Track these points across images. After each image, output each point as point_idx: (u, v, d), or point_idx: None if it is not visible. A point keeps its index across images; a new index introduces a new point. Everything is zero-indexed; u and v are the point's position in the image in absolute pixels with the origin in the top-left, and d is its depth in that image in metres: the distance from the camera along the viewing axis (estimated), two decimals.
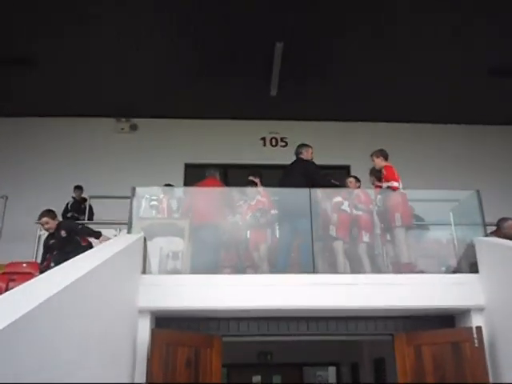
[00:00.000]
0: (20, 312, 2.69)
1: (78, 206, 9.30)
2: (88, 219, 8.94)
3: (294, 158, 6.99)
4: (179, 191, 7.57)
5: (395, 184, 6.41)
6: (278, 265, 6.29)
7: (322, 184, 6.70)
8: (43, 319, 2.98)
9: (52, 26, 8.32)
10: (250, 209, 6.73)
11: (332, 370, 12.31)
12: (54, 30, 8.41)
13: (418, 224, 6.93)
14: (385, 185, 6.54)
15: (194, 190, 7.24)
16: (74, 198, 9.29)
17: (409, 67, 9.56)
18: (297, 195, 6.33)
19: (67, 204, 9.26)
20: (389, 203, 6.47)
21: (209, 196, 6.85)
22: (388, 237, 6.68)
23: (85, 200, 9.41)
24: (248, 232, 6.68)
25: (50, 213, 6.58)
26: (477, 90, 10.10)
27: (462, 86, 10.02)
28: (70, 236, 6.45)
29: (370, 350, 9.72)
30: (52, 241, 6.47)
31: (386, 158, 6.70)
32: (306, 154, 6.89)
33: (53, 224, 6.52)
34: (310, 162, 6.80)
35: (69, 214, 9.04)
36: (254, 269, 6.31)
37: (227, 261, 6.54)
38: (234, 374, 11.13)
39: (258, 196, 6.77)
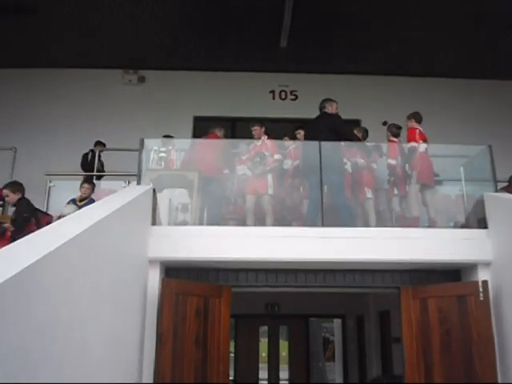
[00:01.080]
0: (29, 261, 2.70)
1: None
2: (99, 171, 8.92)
3: (303, 111, 6.94)
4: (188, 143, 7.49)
5: (414, 145, 6.59)
6: (307, 217, 6.31)
7: (349, 138, 6.71)
8: (53, 269, 3.00)
9: None
10: (252, 151, 6.75)
11: (337, 322, 12.58)
12: None
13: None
14: (407, 145, 6.72)
15: (196, 142, 7.25)
16: (92, 150, 9.14)
17: (421, 20, 9.26)
18: (325, 149, 6.30)
19: (88, 155, 9.19)
20: (406, 161, 6.67)
21: (213, 148, 6.86)
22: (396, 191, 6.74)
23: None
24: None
25: (12, 185, 6.10)
26: (490, 44, 9.82)
27: (475, 40, 9.74)
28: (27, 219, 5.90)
29: (376, 302, 9.87)
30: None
31: (417, 121, 6.85)
32: (330, 109, 6.83)
33: (13, 198, 6.02)
34: (336, 116, 6.74)
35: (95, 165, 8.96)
36: (251, 220, 6.34)
37: (233, 213, 6.58)
38: (241, 324, 11.41)
39: (264, 138, 6.89)
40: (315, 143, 6.32)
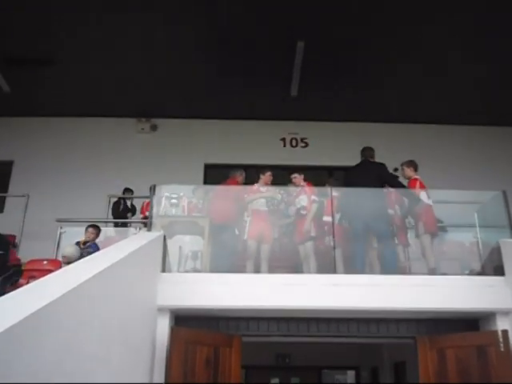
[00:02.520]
0: (38, 305, 2.67)
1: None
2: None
3: (313, 159, 6.94)
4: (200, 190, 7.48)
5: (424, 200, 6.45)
6: (355, 266, 6.19)
7: (396, 186, 6.64)
8: (61, 314, 2.95)
9: (71, 25, 8.37)
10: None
11: (351, 373, 12.17)
12: (74, 29, 8.47)
13: (440, 226, 6.80)
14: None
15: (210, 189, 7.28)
16: (120, 198, 9.31)
17: (430, 72, 9.43)
18: (374, 196, 6.38)
19: (118, 203, 9.32)
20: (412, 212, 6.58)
21: (226, 195, 6.85)
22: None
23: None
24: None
25: None
26: (502, 92, 9.92)
27: (486, 88, 9.85)
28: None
29: (391, 353, 9.58)
30: None
31: (415, 169, 6.75)
32: (373, 157, 6.86)
33: None
34: (384, 165, 6.71)
35: (128, 214, 9.17)
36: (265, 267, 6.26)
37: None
38: (252, 375, 11.06)
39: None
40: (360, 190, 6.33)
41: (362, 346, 9.51)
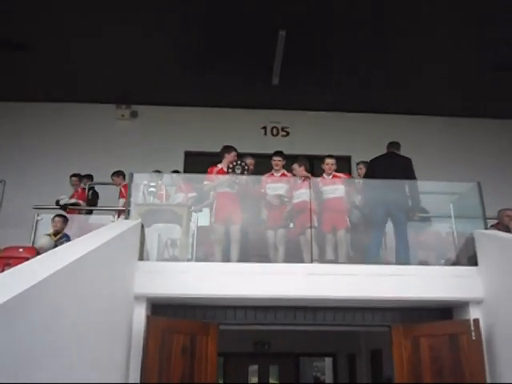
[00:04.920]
0: (13, 293, 2.66)
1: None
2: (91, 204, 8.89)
3: (294, 148, 6.93)
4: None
5: None
6: (369, 254, 6.30)
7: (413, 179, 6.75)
8: (37, 301, 2.94)
9: (51, 11, 8.20)
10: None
11: (329, 360, 12.38)
12: (54, 15, 8.30)
13: (421, 216, 6.89)
14: None
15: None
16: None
17: (410, 60, 9.45)
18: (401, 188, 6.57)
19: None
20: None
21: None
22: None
23: (90, 188, 9.31)
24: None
25: None
26: (479, 84, 10.02)
27: (463, 80, 9.93)
28: None
29: (367, 340, 9.72)
30: None
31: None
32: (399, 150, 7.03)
33: None
34: (409, 159, 6.80)
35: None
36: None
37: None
38: (230, 363, 11.15)
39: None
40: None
41: (339, 333, 9.61)
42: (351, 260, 6.39)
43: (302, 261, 6.06)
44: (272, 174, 6.96)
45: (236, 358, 11.03)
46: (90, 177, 9.16)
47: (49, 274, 3.13)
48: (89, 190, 9.00)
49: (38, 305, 2.94)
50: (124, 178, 8.45)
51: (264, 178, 6.93)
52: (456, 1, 7.93)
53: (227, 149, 6.93)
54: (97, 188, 9.12)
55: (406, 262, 6.00)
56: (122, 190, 8.15)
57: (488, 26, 8.39)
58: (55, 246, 6.17)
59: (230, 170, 6.54)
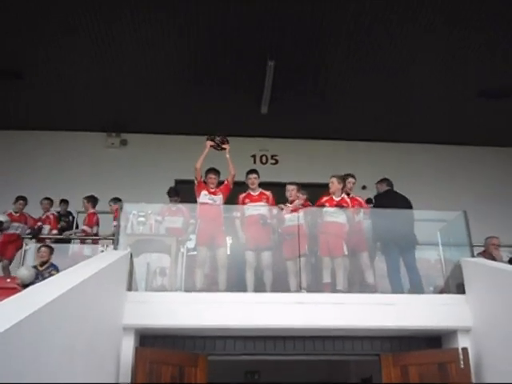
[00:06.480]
0: (4, 326, 2.65)
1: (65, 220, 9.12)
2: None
3: (283, 176, 6.96)
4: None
5: None
6: (392, 285, 6.30)
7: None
8: (26, 334, 2.92)
9: (39, 39, 8.36)
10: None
11: None
12: (42, 43, 8.45)
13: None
14: None
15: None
16: (58, 212, 9.08)
17: (398, 88, 9.66)
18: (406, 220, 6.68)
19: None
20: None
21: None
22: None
23: (69, 214, 9.27)
24: None
25: None
26: (465, 111, 10.22)
27: (450, 108, 10.14)
28: None
29: (358, 369, 9.65)
30: None
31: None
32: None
33: None
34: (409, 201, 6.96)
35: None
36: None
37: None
38: None
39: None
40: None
41: (330, 361, 9.52)
42: (349, 287, 6.34)
43: (289, 289, 6.06)
44: (249, 194, 6.90)
45: None
46: (66, 202, 9.14)
47: (37, 308, 3.12)
48: (66, 216, 8.98)
49: (25, 338, 2.91)
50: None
51: (241, 197, 6.91)
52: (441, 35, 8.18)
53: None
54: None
55: (419, 291, 6.07)
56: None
57: (473, 55, 8.62)
58: (42, 276, 6.14)
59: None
